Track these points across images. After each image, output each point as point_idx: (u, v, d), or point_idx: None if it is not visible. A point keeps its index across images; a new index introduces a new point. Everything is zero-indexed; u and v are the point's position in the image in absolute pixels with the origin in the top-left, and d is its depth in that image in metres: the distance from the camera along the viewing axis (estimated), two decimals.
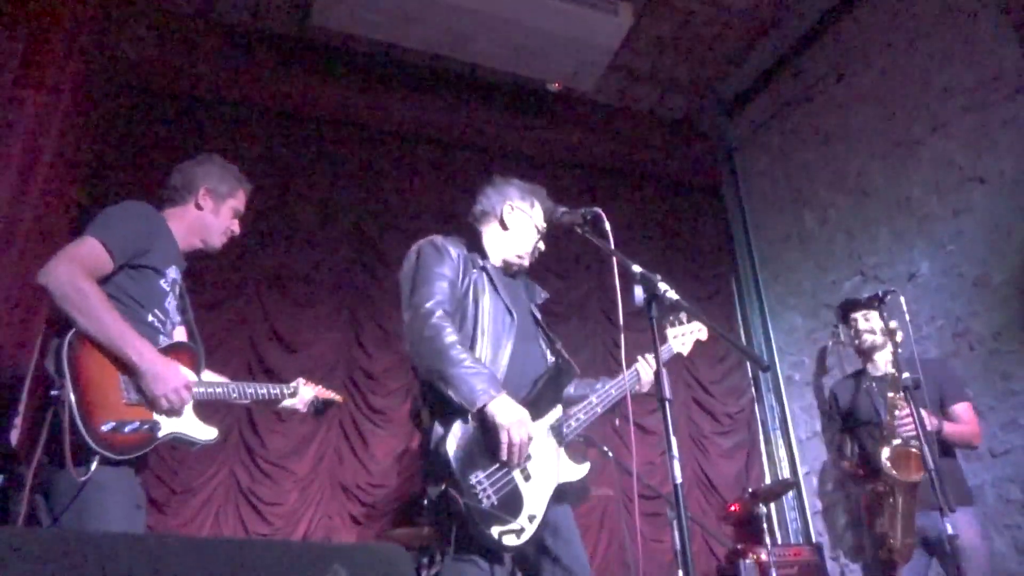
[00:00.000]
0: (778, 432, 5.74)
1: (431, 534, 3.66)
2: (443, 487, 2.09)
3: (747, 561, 4.39)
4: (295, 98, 5.29)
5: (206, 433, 2.26)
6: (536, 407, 2.31)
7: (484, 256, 2.57)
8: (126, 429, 2.02)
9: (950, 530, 2.76)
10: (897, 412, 3.22)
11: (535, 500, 2.21)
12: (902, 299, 3.28)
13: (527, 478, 2.22)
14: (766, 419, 5.84)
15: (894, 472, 3.14)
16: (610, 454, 3.72)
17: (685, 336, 2.84)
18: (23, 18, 3.44)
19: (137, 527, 2.06)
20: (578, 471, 2.36)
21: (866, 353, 3.70)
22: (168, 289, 2.32)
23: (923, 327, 4.58)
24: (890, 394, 3.27)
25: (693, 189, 6.63)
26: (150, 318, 2.22)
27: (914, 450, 3.13)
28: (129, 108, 4.76)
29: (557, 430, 2.37)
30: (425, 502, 2.25)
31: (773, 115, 6.16)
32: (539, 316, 2.64)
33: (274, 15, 5.25)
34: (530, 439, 2.18)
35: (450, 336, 2.22)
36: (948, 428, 3.33)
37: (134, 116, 4.78)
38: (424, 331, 2.24)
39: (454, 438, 2.14)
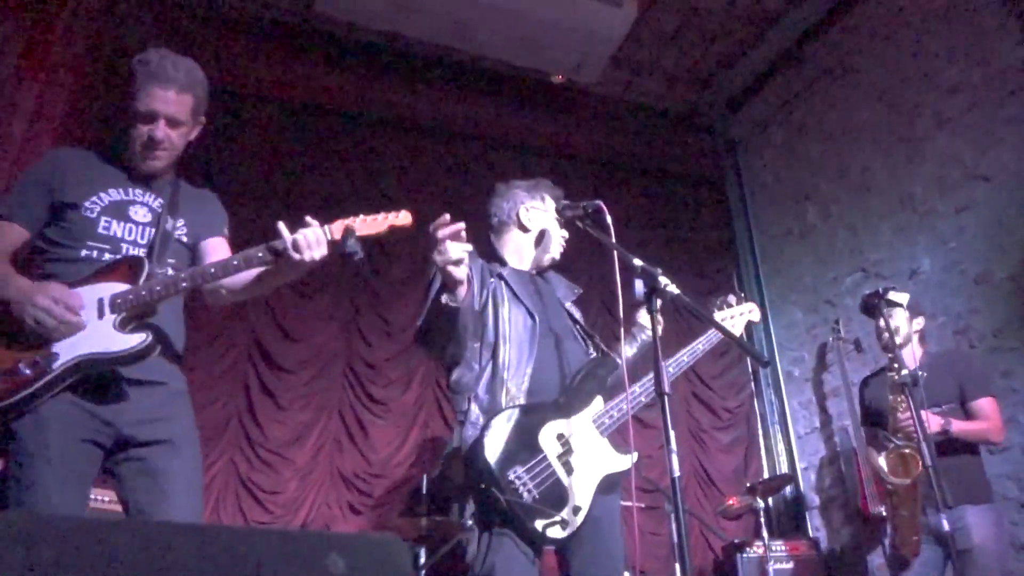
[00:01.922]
0: (777, 427, 5.75)
1: (431, 523, 3.68)
2: (483, 486, 2.10)
3: (744, 555, 4.40)
4: (298, 87, 5.28)
5: (125, 343, 1.90)
6: (575, 399, 2.34)
7: (503, 264, 2.60)
8: (11, 374, 1.83)
9: (945, 526, 2.77)
10: (899, 414, 3.23)
11: (580, 492, 2.21)
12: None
13: (569, 471, 2.23)
14: (765, 414, 5.85)
15: (892, 478, 3.18)
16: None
17: (735, 319, 2.79)
18: (26, 4, 3.43)
19: (75, 463, 1.88)
20: (623, 461, 2.37)
21: (890, 349, 3.65)
22: (96, 215, 2.07)
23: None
24: (890, 396, 3.27)
25: (695, 183, 6.61)
26: (83, 252, 2.03)
27: (908, 451, 3.15)
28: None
29: (599, 422, 2.38)
30: (463, 504, 2.24)
31: (777, 110, 6.14)
32: (576, 314, 2.66)
33: (278, 2, 5.24)
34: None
35: None
36: (957, 427, 3.26)
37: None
38: (433, 352, 2.35)
39: (491, 436, 2.16)
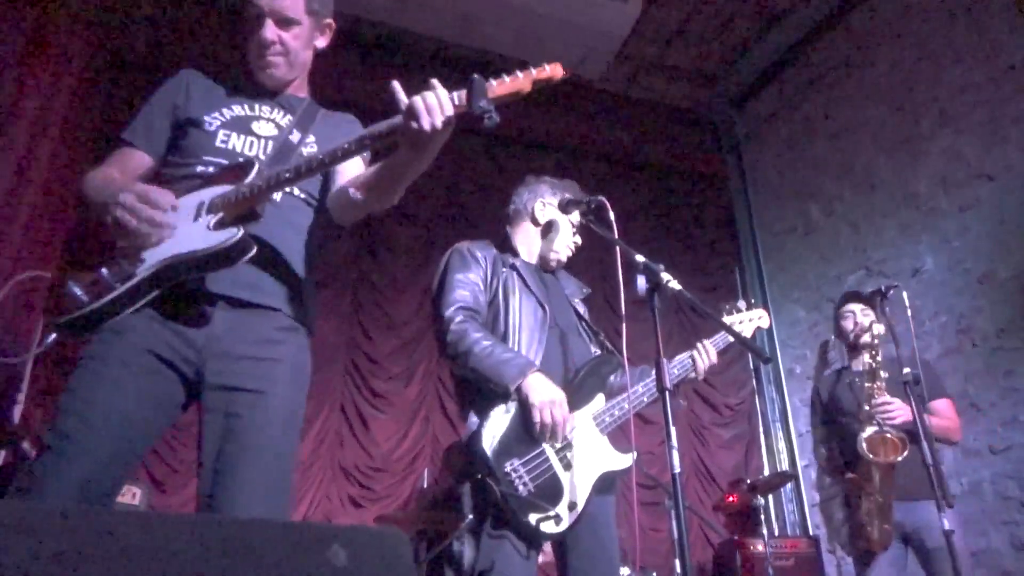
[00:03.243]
0: (778, 425, 5.75)
1: (431, 517, 3.68)
2: (479, 476, 2.10)
3: (744, 552, 4.40)
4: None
5: (212, 239, 1.61)
6: (577, 396, 2.33)
7: (515, 255, 2.60)
8: (76, 290, 1.61)
9: (947, 525, 2.77)
10: (874, 400, 3.26)
11: (576, 489, 2.21)
12: (905, 294, 3.28)
13: (567, 466, 2.22)
14: (766, 411, 5.86)
15: (871, 455, 3.17)
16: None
17: (744, 324, 2.78)
18: (25, 13, 3.42)
19: (139, 376, 1.60)
20: (623, 460, 2.36)
21: (856, 347, 3.71)
22: (215, 128, 1.86)
23: (926, 323, 4.57)
24: (866, 384, 3.31)
25: (699, 179, 6.61)
26: (199, 168, 1.79)
27: (890, 436, 3.18)
28: (134, 84, 4.75)
29: (599, 419, 2.38)
30: (461, 494, 2.24)
31: (781, 107, 6.13)
32: (582, 310, 2.66)
33: None
34: (566, 420, 2.19)
35: (474, 335, 2.27)
36: (929, 421, 3.33)
37: (139, 93, 4.77)
38: (449, 337, 2.30)
39: (489, 427, 2.17)
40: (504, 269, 2.49)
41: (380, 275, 5.07)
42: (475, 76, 1.55)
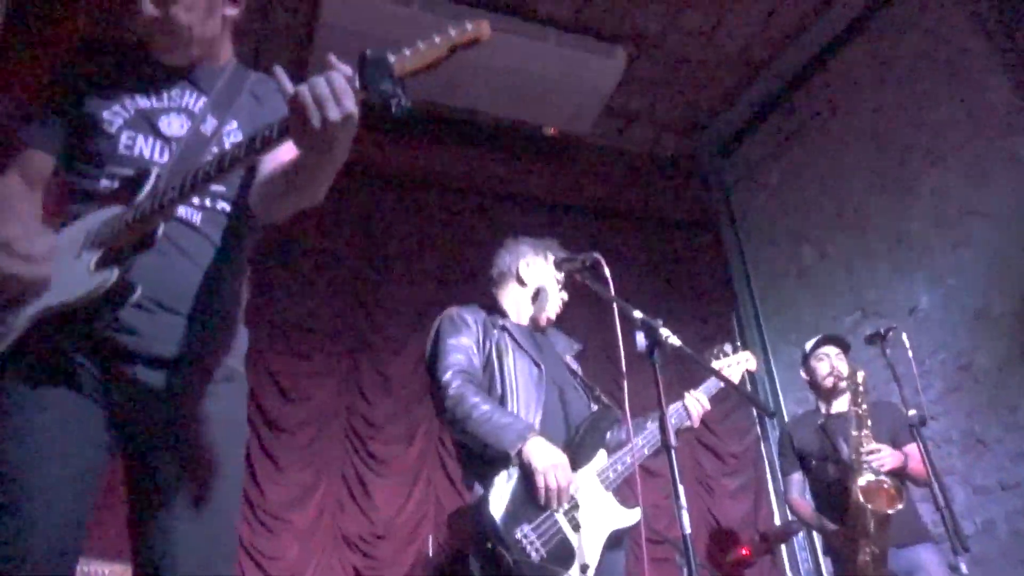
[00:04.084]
0: None
1: None
2: (489, 545, 2.06)
3: None
4: None
5: (86, 285, 1.36)
6: (579, 454, 2.33)
7: (504, 316, 2.61)
8: None
9: (964, 570, 2.72)
10: (862, 449, 3.24)
11: (587, 549, 2.18)
12: (904, 336, 3.28)
13: (576, 527, 2.20)
14: (772, 458, 5.77)
15: (869, 505, 3.13)
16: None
17: (732, 368, 2.82)
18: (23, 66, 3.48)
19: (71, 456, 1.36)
20: (630, 516, 2.34)
21: (834, 391, 3.69)
22: (117, 129, 1.54)
23: (926, 361, 4.55)
24: (854, 432, 3.29)
25: (691, 227, 6.64)
26: (103, 183, 1.51)
27: (885, 484, 3.15)
28: None
29: (603, 476, 2.36)
30: (471, 565, 2.21)
31: (769, 153, 6.20)
32: (574, 367, 2.67)
33: (272, 65, 5.31)
34: (569, 483, 2.16)
35: (472, 399, 2.27)
36: (912, 466, 3.33)
37: None
38: (448, 402, 2.30)
39: (496, 493, 2.15)
40: (495, 331, 2.51)
41: (376, 336, 5.05)
42: (368, 51, 1.20)
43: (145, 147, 1.55)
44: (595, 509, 2.28)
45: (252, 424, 4.51)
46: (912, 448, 3.39)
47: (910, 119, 4.94)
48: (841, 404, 3.65)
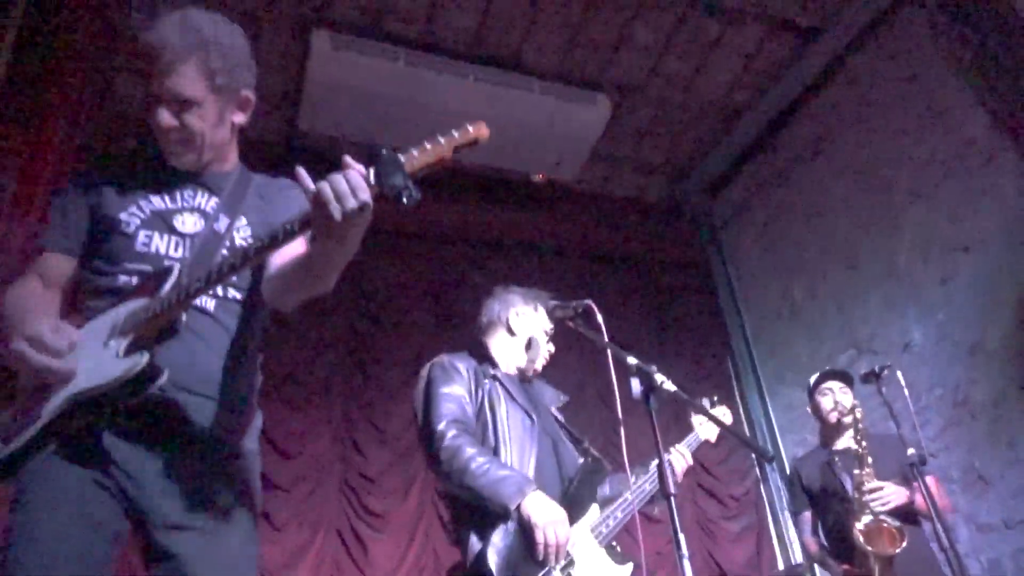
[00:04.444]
0: (786, 514, 5.59)
1: None
2: None
3: None
4: None
5: (116, 369, 1.46)
6: (574, 509, 2.30)
7: (494, 366, 2.60)
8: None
9: None
10: (864, 487, 3.21)
11: None
12: (899, 373, 3.27)
13: None
14: (773, 500, 5.71)
15: (868, 547, 3.10)
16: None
17: (707, 424, 2.84)
18: (15, 146, 3.50)
19: (78, 546, 1.46)
20: (622, 572, 2.32)
21: (838, 426, 3.67)
22: (134, 229, 1.68)
23: (922, 397, 4.54)
24: (855, 471, 3.26)
25: (682, 270, 6.67)
26: (122, 279, 1.64)
27: (886, 525, 3.12)
28: None
29: (597, 531, 2.35)
30: None
31: (755, 193, 6.27)
32: (561, 418, 2.67)
33: (261, 122, 5.37)
34: (567, 539, 2.14)
35: (468, 450, 2.25)
36: (920, 501, 3.26)
37: None
38: (442, 454, 2.27)
39: (494, 549, 2.12)
40: (486, 380, 2.50)
41: (369, 388, 5.01)
42: (383, 150, 1.37)
43: (161, 244, 1.69)
44: (590, 565, 2.25)
45: None
46: (930, 481, 3.37)
47: (892, 156, 5.01)
48: (847, 439, 3.61)
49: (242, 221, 1.76)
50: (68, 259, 1.72)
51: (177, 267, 1.57)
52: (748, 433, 5.88)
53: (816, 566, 5.13)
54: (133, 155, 1.90)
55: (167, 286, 1.53)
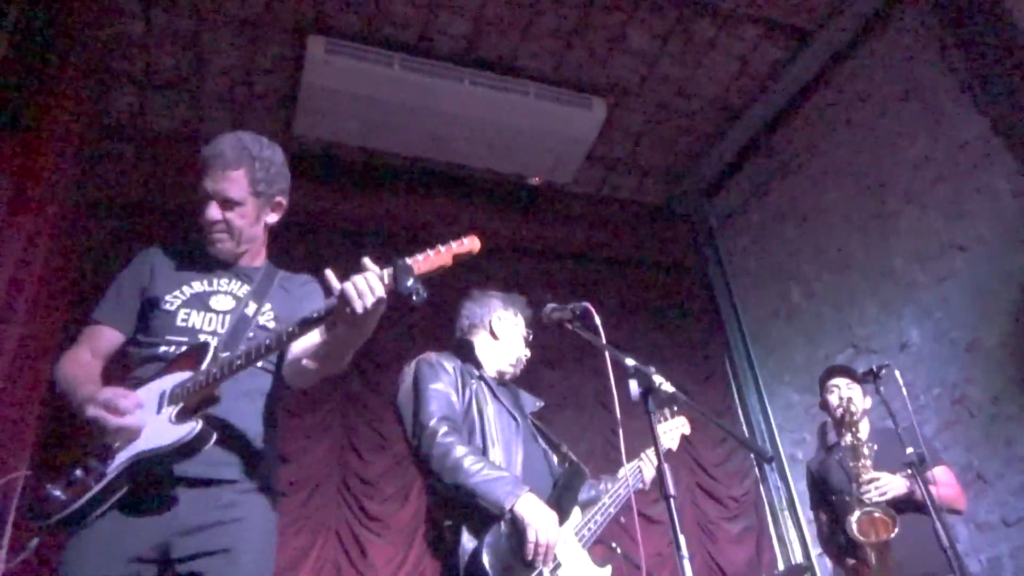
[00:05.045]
0: (786, 514, 5.60)
1: None
2: None
3: None
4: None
5: (174, 434, 1.73)
6: (558, 512, 2.30)
7: (479, 366, 2.61)
8: (55, 492, 1.74)
9: None
10: (861, 479, 3.22)
11: None
12: (897, 373, 3.28)
13: None
14: (773, 501, 5.72)
15: (862, 538, 3.13)
16: (618, 549, 3.61)
17: (672, 432, 2.97)
18: (10, 152, 3.50)
19: None
20: (603, 574, 2.35)
21: (843, 422, 3.66)
22: (176, 308, 2.00)
23: (920, 396, 4.55)
24: (852, 463, 3.27)
25: (679, 272, 6.68)
26: (162, 349, 1.94)
27: (878, 515, 3.13)
28: (116, 229, 4.80)
29: (580, 534, 2.38)
30: None
31: (751, 195, 6.28)
32: (538, 423, 2.68)
33: (257, 129, 5.34)
34: (556, 542, 2.16)
35: (460, 449, 2.25)
36: (937, 493, 3.26)
37: (121, 236, 4.81)
38: (434, 450, 2.27)
39: (489, 549, 2.12)
40: (473, 380, 2.51)
41: (368, 392, 5.01)
42: (399, 260, 1.70)
43: (198, 320, 2.00)
44: (575, 567, 2.28)
45: None
46: (939, 471, 3.37)
47: (887, 157, 5.03)
48: (863, 434, 3.59)
49: (267, 307, 2.08)
50: (118, 334, 2.02)
51: (212, 344, 1.88)
52: (747, 434, 5.89)
53: (816, 566, 5.16)
54: (179, 245, 2.20)
55: (206, 361, 1.83)
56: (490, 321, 2.74)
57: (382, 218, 5.64)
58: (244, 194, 2.04)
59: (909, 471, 3.06)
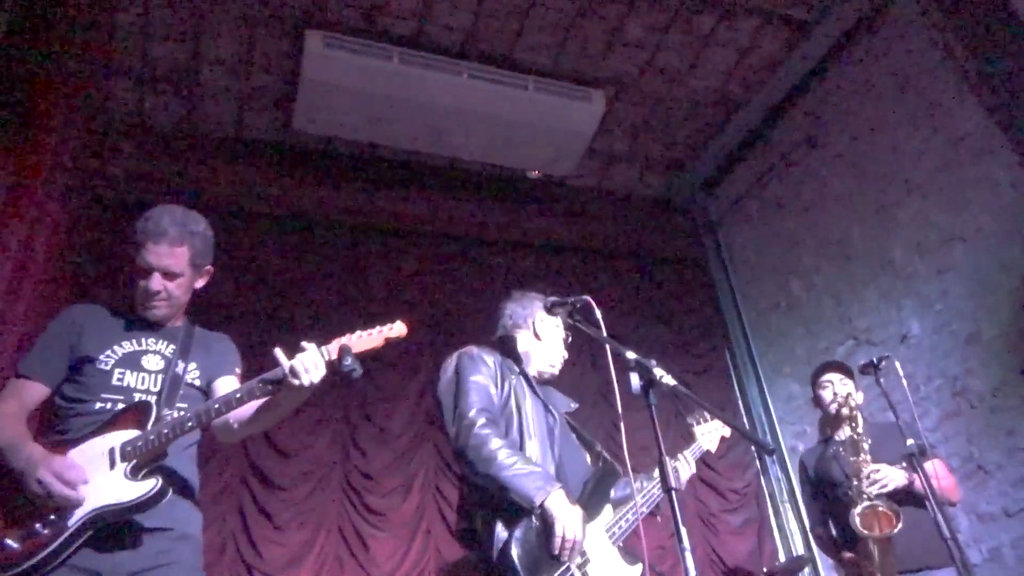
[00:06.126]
0: (787, 506, 5.61)
1: None
2: None
3: None
4: (281, 202, 5.36)
5: (136, 491, 1.90)
6: (589, 509, 2.34)
7: (520, 362, 2.64)
8: (12, 544, 1.82)
9: None
10: (862, 472, 3.23)
11: None
12: (897, 364, 3.28)
13: None
14: (774, 493, 5.72)
15: (865, 531, 3.14)
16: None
17: (712, 434, 3.03)
18: (9, 147, 3.49)
19: None
20: (633, 572, 2.37)
21: (837, 417, 3.67)
22: (111, 367, 2.14)
23: (921, 388, 4.55)
24: (852, 458, 3.28)
25: (679, 264, 6.68)
26: (97, 405, 2.08)
27: (881, 508, 3.14)
28: (115, 225, 4.79)
29: (610, 531, 2.41)
30: None
31: (751, 187, 6.28)
32: (573, 423, 2.72)
33: (256, 124, 5.37)
34: (583, 538, 2.19)
35: (496, 441, 2.29)
36: (920, 483, 3.27)
37: (119, 232, 4.81)
38: (471, 441, 2.31)
39: (518, 542, 2.16)
40: (512, 375, 2.55)
41: (369, 387, 5.00)
42: (343, 343, 2.05)
43: (132, 379, 2.15)
44: (603, 564, 2.30)
45: (246, 483, 4.45)
46: (936, 464, 3.37)
47: (887, 148, 5.02)
48: (848, 429, 3.61)
49: (193, 365, 2.27)
50: (45, 388, 2.13)
51: (154, 405, 2.04)
52: (748, 426, 5.89)
53: (817, 558, 5.17)
54: (104, 306, 2.34)
55: (150, 421, 2.00)
56: (533, 321, 2.77)
57: (380, 212, 5.63)
58: (184, 267, 2.24)
59: (904, 464, 3.06)
